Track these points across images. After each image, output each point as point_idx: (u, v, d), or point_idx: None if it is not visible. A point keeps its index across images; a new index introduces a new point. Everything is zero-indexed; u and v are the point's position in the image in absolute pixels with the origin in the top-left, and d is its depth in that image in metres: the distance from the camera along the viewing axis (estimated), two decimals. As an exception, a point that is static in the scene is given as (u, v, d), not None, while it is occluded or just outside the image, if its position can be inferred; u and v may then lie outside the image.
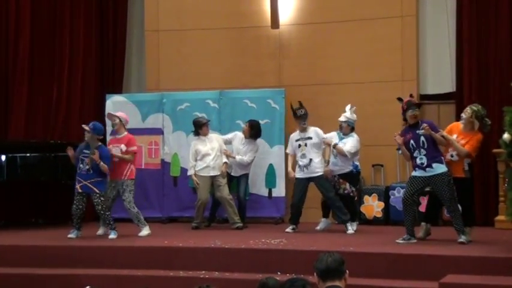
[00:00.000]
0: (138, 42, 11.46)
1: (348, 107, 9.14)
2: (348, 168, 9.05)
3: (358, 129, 9.25)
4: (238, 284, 7.12)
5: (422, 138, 7.79)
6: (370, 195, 9.89)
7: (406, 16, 10.20)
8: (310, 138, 9.01)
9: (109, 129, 9.86)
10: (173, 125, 10.51)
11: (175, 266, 7.69)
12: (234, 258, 7.63)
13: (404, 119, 8.07)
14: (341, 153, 8.93)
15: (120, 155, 8.85)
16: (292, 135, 9.22)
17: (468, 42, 9.75)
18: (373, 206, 9.87)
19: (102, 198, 8.66)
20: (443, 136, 7.83)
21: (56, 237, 8.83)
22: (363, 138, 9.36)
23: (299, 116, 9.03)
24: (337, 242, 7.97)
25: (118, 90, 11.10)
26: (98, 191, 8.62)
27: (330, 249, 6.00)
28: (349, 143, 8.96)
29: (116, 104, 10.52)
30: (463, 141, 7.88)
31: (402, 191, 8.71)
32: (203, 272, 7.47)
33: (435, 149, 7.84)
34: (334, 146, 8.94)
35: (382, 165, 10.23)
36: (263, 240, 8.17)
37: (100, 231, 9.06)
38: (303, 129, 9.06)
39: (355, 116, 9.14)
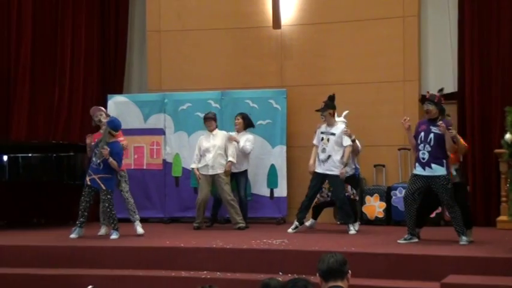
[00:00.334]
0: (139, 42, 11.47)
1: (344, 113, 9.16)
2: (351, 172, 9.07)
3: (360, 129, 9.24)
4: (240, 285, 7.12)
5: (431, 135, 7.78)
6: (371, 195, 9.87)
7: (407, 16, 10.19)
8: (333, 134, 8.90)
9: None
10: (175, 125, 10.50)
11: (177, 266, 7.68)
12: (236, 259, 7.63)
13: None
14: (356, 151, 9.00)
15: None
16: (319, 126, 9.08)
17: (470, 43, 9.75)
18: (374, 206, 9.86)
19: (109, 196, 8.60)
20: (455, 137, 7.81)
21: (58, 237, 8.83)
22: (365, 138, 9.35)
23: (319, 109, 8.97)
24: (339, 243, 7.97)
25: (119, 90, 11.10)
26: (104, 188, 8.58)
27: (332, 249, 6.02)
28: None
29: (117, 105, 10.53)
30: None
31: (404, 191, 8.70)
32: (205, 272, 7.47)
33: (440, 151, 7.81)
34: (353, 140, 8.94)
35: (383, 166, 10.22)
36: (265, 241, 8.17)
37: (101, 231, 9.05)
38: (330, 123, 8.95)
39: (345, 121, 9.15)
